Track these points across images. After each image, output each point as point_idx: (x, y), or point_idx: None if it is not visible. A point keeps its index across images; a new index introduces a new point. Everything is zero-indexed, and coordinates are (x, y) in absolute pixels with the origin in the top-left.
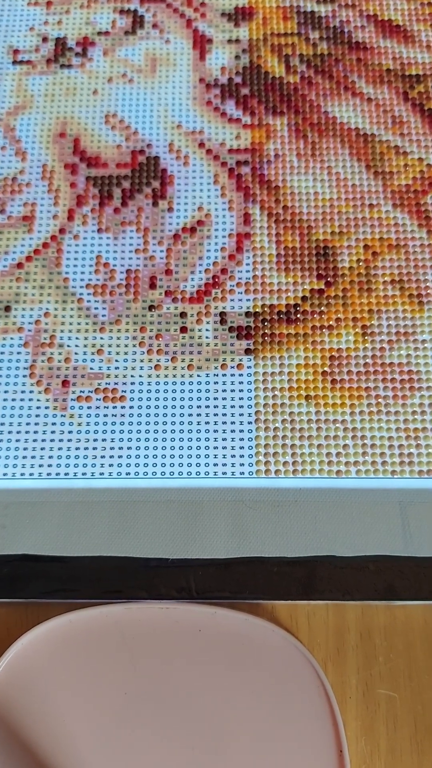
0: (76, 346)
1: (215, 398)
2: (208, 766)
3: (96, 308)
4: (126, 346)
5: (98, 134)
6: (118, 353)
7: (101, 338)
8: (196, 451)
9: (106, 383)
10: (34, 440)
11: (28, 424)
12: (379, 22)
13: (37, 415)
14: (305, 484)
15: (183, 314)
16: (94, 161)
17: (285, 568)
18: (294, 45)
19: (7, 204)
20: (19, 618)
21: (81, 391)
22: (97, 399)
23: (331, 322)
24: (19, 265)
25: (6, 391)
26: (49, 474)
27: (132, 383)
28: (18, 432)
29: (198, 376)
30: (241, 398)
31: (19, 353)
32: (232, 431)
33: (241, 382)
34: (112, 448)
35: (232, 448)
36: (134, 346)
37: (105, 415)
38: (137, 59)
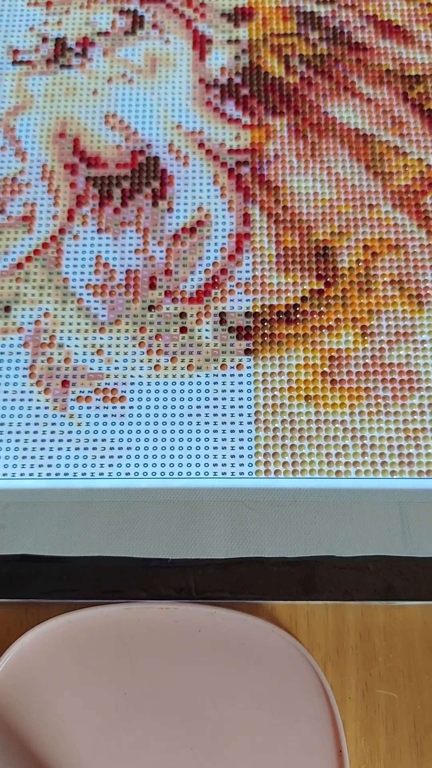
0: (76, 346)
1: (215, 398)
2: (208, 767)
3: (96, 308)
4: (126, 346)
5: (98, 134)
6: (117, 353)
7: (101, 338)
8: (196, 451)
9: (106, 383)
10: (34, 440)
11: (27, 424)
12: (378, 22)
13: (37, 416)
14: (305, 484)
15: (183, 314)
16: (93, 161)
17: (284, 568)
18: (294, 45)
19: (6, 204)
20: (19, 618)
21: (81, 391)
22: (96, 399)
23: (330, 323)
24: (19, 266)
25: (6, 392)
26: (48, 474)
27: (132, 383)
28: (18, 432)
29: (198, 376)
30: (240, 398)
31: (18, 353)
32: (232, 431)
33: (240, 383)
34: (111, 448)
35: (232, 448)
36: (134, 346)
37: (105, 415)
38: (137, 59)
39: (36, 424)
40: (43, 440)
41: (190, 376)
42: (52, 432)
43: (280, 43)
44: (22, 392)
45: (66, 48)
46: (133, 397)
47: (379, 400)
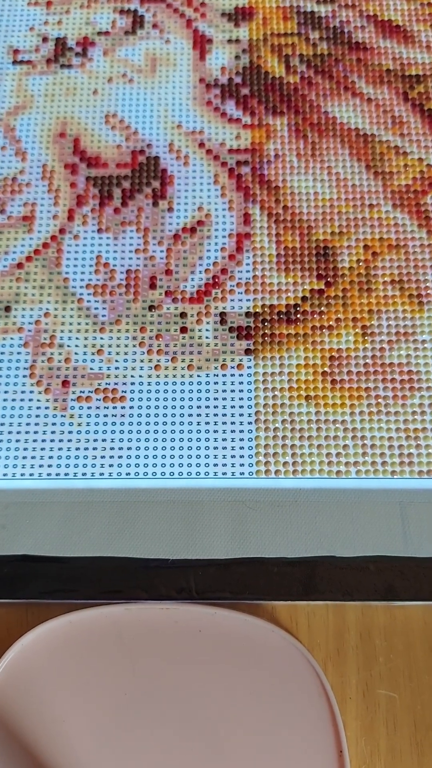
0: (76, 346)
1: (215, 398)
2: (208, 767)
3: (96, 308)
4: (126, 346)
5: (98, 134)
6: (118, 353)
7: (101, 338)
8: (196, 451)
9: (106, 383)
10: (34, 440)
11: (28, 424)
12: (379, 22)
13: (37, 416)
14: (305, 484)
15: (183, 314)
16: (94, 161)
17: (285, 569)
18: (294, 45)
19: (7, 204)
20: (19, 618)
21: (81, 392)
22: (97, 399)
23: (331, 323)
24: (19, 265)
25: (6, 392)
26: (49, 474)
27: (132, 383)
28: (18, 432)
29: (198, 376)
30: (241, 398)
31: (19, 353)
32: (232, 431)
33: (241, 383)
34: (112, 449)
35: (232, 448)
36: (134, 346)
37: (105, 416)
38: (137, 59)
39: (36, 424)
40: (43, 440)
41: (191, 376)
42: (53, 432)
43: (280, 42)
44: (23, 392)
45: (66, 48)
46: (134, 397)
47: (379, 400)
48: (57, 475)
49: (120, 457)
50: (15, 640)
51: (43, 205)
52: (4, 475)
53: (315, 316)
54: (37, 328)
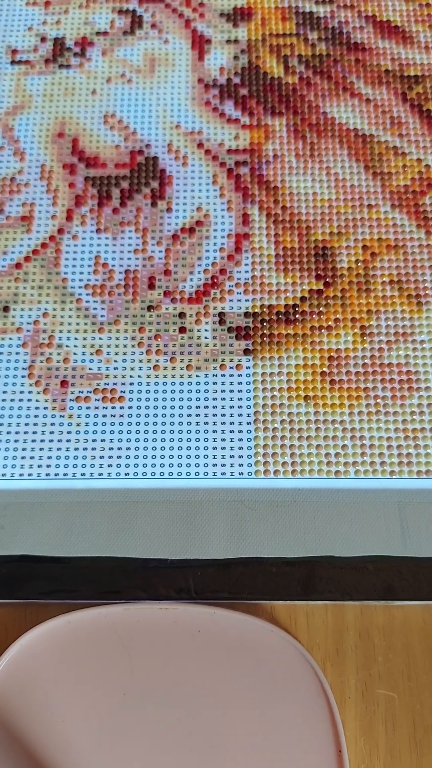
0: (75, 346)
1: (214, 399)
2: (207, 767)
3: (95, 308)
4: (125, 346)
5: (97, 134)
6: (117, 353)
7: (100, 338)
8: (195, 451)
9: (105, 383)
10: (33, 441)
11: (26, 424)
12: (377, 23)
13: (36, 416)
14: (304, 484)
15: (182, 314)
16: (92, 161)
17: (284, 569)
18: (293, 45)
19: (5, 204)
20: (18, 619)
21: (80, 392)
22: (95, 399)
23: (329, 323)
24: (18, 266)
25: (5, 392)
26: (47, 474)
27: (131, 383)
28: (17, 432)
29: (197, 376)
30: (240, 399)
31: (17, 353)
32: (231, 432)
33: (240, 383)
34: (111, 449)
35: (231, 448)
36: (133, 346)
37: (104, 416)
38: (136, 59)
39: (35, 424)
40: (42, 440)
41: (190, 376)
42: (51, 432)
43: (279, 43)
44: (21, 392)
45: (65, 48)
46: (133, 398)
47: (378, 400)
48: (56, 475)
49: (119, 457)
50: (14, 641)
51: (42, 205)
52: (3, 475)
53: (314, 316)
54: (36, 328)
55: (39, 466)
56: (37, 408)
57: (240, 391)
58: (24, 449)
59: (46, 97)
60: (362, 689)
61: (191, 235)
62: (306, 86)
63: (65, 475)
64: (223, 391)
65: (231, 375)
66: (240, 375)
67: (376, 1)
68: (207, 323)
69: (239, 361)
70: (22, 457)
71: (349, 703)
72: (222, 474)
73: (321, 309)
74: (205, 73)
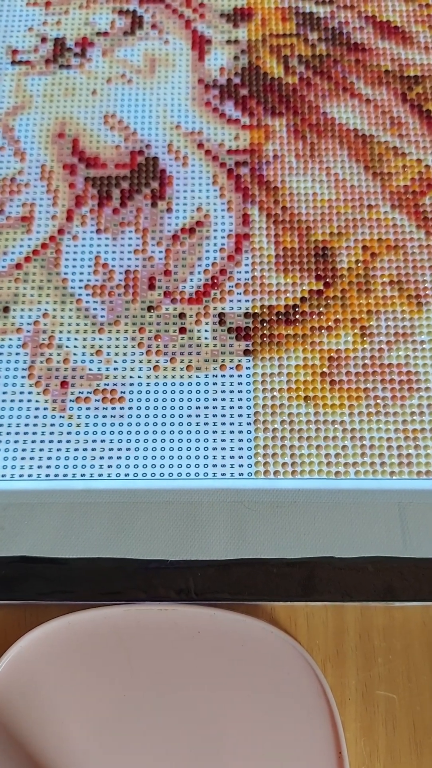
0: (75, 346)
1: (214, 399)
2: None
3: (95, 309)
4: (125, 346)
5: (97, 135)
6: (117, 354)
7: (100, 339)
8: (195, 452)
9: (105, 384)
10: (33, 441)
11: (26, 425)
12: (377, 23)
13: (36, 416)
14: (304, 485)
15: (182, 315)
16: (93, 162)
17: (284, 569)
18: (293, 46)
19: (5, 204)
20: (18, 620)
21: (80, 392)
22: (96, 400)
23: (329, 323)
24: (18, 266)
25: (5, 392)
26: (47, 475)
27: (131, 384)
28: (17, 433)
29: (197, 377)
30: (240, 399)
31: (17, 354)
32: (231, 432)
33: (240, 383)
34: (111, 450)
35: (231, 449)
36: (133, 347)
37: (104, 416)
38: (136, 60)
39: (35, 425)
40: (42, 441)
41: (190, 376)
42: (51, 433)
43: (279, 43)
44: (21, 393)
45: (65, 48)
46: (133, 398)
47: (378, 401)
48: (56, 476)
49: (119, 458)
50: (13, 642)
51: (42, 205)
52: (3, 476)
53: (314, 316)
54: (36, 328)
55: (39, 467)
56: (37, 408)
57: (240, 391)
58: (24, 450)
59: (47, 97)
60: (362, 690)
61: (191, 236)
62: (306, 86)
63: (65, 475)
64: (223, 391)
65: (231, 375)
66: (240, 375)
67: (376, 1)
68: (207, 324)
69: (239, 361)
70: (22, 458)
71: (349, 704)
72: (222, 474)
73: (321, 309)
74: (206, 73)
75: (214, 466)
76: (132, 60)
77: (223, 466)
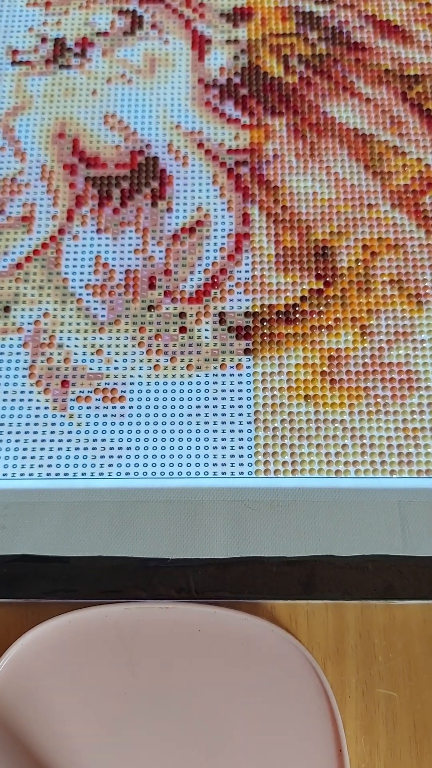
0: (76, 346)
1: (214, 398)
2: (208, 766)
3: (95, 308)
4: (125, 346)
5: (97, 135)
6: (117, 353)
7: (100, 338)
8: (196, 451)
9: (106, 383)
10: (34, 440)
11: (27, 424)
12: (377, 22)
13: (37, 416)
14: (304, 483)
15: (182, 314)
16: (93, 162)
17: (284, 568)
18: (293, 45)
19: (6, 204)
20: (19, 618)
21: (80, 392)
22: (96, 399)
23: (330, 322)
24: (19, 266)
25: (5, 392)
26: (48, 474)
27: (131, 383)
28: (17, 432)
29: (197, 376)
30: (240, 398)
31: (18, 353)
32: (232, 431)
33: (240, 382)
34: (111, 448)
35: (232, 448)
36: (133, 346)
37: (104, 416)
38: (136, 60)
39: (36, 424)
40: (42, 440)
41: (190, 375)
42: (52, 432)
43: (279, 43)
44: (22, 392)
45: (65, 48)
46: (133, 397)
47: (378, 400)
48: (56, 475)
49: (119, 456)
50: (14, 640)
51: (42, 205)
52: (4, 475)
53: (314, 315)
54: (37, 328)
55: (40, 466)
56: (37, 408)
57: (240, 390)
58: (25, 449)
59: (47, 97)
60: (363, 688)
61: (191, 235)
62: (306, 86)
63: (66, 474)
64: (223, 390)
65: (231, 374)
66: (240, 374)
67: (376, 0)
68: (207, 323)
69: (239, 360)
70: (23, 457)
71: (349, 702)
72: (222, 473)
73: (321, 308)
74: (205, 73)
75: (215, 465)
76: (132, 60)
77: (224, 464)
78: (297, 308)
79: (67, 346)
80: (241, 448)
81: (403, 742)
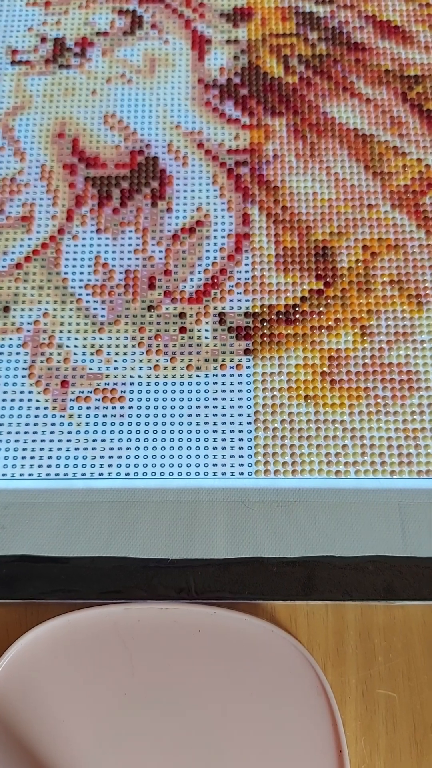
0: (75, 346)
1: (214, 398)
2: (207, 766)
3: (95, 308)
4: (125, 346)
5: (97, 134)
6: (117, 353)
7: (100, 338)
8: (195, 451)
9: (105, 383)
10: (34, 440)
11: (27, 424)
12: (377, 22)
13: (36, 416)
14: (304, 484)
15: (182, 314)
16: (92, 161)
17: (284, 569)
18: (293, 45)
19: (5, 204)
20: (19, 618)
21: (80, 392)
22: (96, 399)
23: (330, 323)
24: (18, 266)
25: (5, 392)
26: (48, 474)
27: (131, 383)
28: (17, 432)
29: (197, 376)
30: (240, 398)
31: (18, 354)
32: (232, 431)
33: (240, 383)
34: (111, 449)
35: (232, 448)
36: (133, 346)
37: (104, 416)
38: (136, 59)
39: (35, 424)
40: (42, 440)
41: (190, 376)
42: (52, 432)
43: (279, 43)
44: (22, 392)
45: (65, 48)
46: (133, 398)
47: (378, 400)
48: (56, 475)
49: (119, 457)
50: (14, 641)
51: (42, 205)
52: (3, 475)
53: (314, 316)
54: (36, 328)
55: (39, 466)
56: (37, 408)
57: (240, 391)
58: (24, 449)
59: (46, 97)
60: (363, 689)
61: (191, 235)
62: (306, 86)
63: (65, 475)
64: (223, 391)
65: (231, 375)
66: (240, 375)
67: (376, 1)
68: (207, 323)
69: (239, 361)
70: (23, 457)
71: (349, 702)
72: (222, 474)
73: (321, 309)
74: (205, 73)
75: (215, 465)
76: (132, 60)
77: (224, 465)
78: (297, 309)
79: (67, 346)
80: (241, 448)
81: (403, 742)
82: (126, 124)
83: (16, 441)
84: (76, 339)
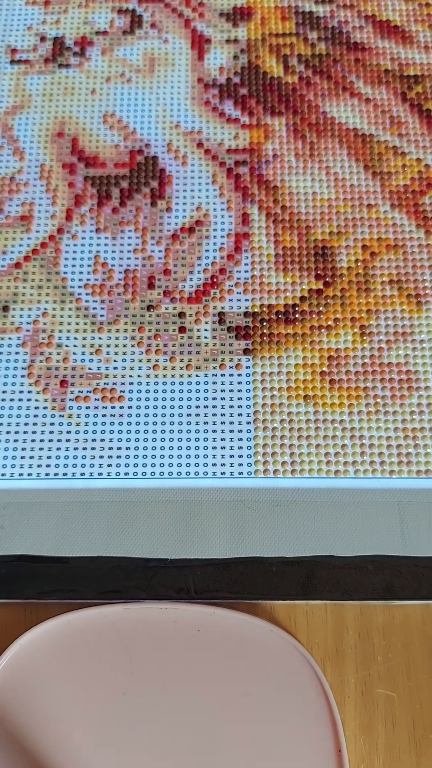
0: (75, 346)
1: (214, 398)
2: (207, 766)
3: (94, 308)
4: (124, 346)
5: (96, 134)
6: (116, 353)
7: (100, 338)
8: (195, 451)
9: (105, 383)
10: (33, 440)
11: (26, 424)
12: (377, 22)
13: (36, 415)
14: (304, 484)
15: (181, 314)
16: (92, 161)
17: (284, 568)
18: (292, 45)
19: (5, 204)
20: (18, 618)
21: (79, 391)
22: (95, 399)
23: (329, 322)
24: (17, 265)
25: (4, 392)
26: (47, 474)
27: (130, 383)
28: (16, 432)
29: (196, 376)
30: (239, 398)
31: (17, 353)
32: (231, 431)
33: (239, 382)
34: (110, 448)
35: (231, 448)
36: (133, 346)
37: (103, 415)
38: (135, 59)
39: (34, 424)
40: (41, 440)
41: (189, 375)
42: (51, 432)
43: (278, 42)
44: (21, 392)
45: (64, 47)
46: (132, 397)
47: (377, 400)
48: (55, 475)
49: (118, 457)
50: (13, 640)
51: (41, 204)
52: (2, 475)
53: (313, 316)
54: (35, 327)
55: (38, 466)
56: (36, 408)
57: (240, 390)
58: (23, 449)
59: (46, 96)
60: (362, 689)
61: (191, 235)
62: (306, 86)
63: (65, 474)
64: (222, 390)
65: (231, 375)
66: (240, 375)
67: (376, 0)
68: (207, 323)
69: (239, 360)
70: (22, 457)
71: (348, 702)
72: (222, 474)
73: (321, 309)
74: (205, 72)
75: (214, 465)
76: (131, 59)
77: (223, 465)
78: (296, 308)
79: (66, 345)
80: (240, 448)
81: (402, 742)
82: (125, 123)
83: (15, 441)
84: (75, 339)
